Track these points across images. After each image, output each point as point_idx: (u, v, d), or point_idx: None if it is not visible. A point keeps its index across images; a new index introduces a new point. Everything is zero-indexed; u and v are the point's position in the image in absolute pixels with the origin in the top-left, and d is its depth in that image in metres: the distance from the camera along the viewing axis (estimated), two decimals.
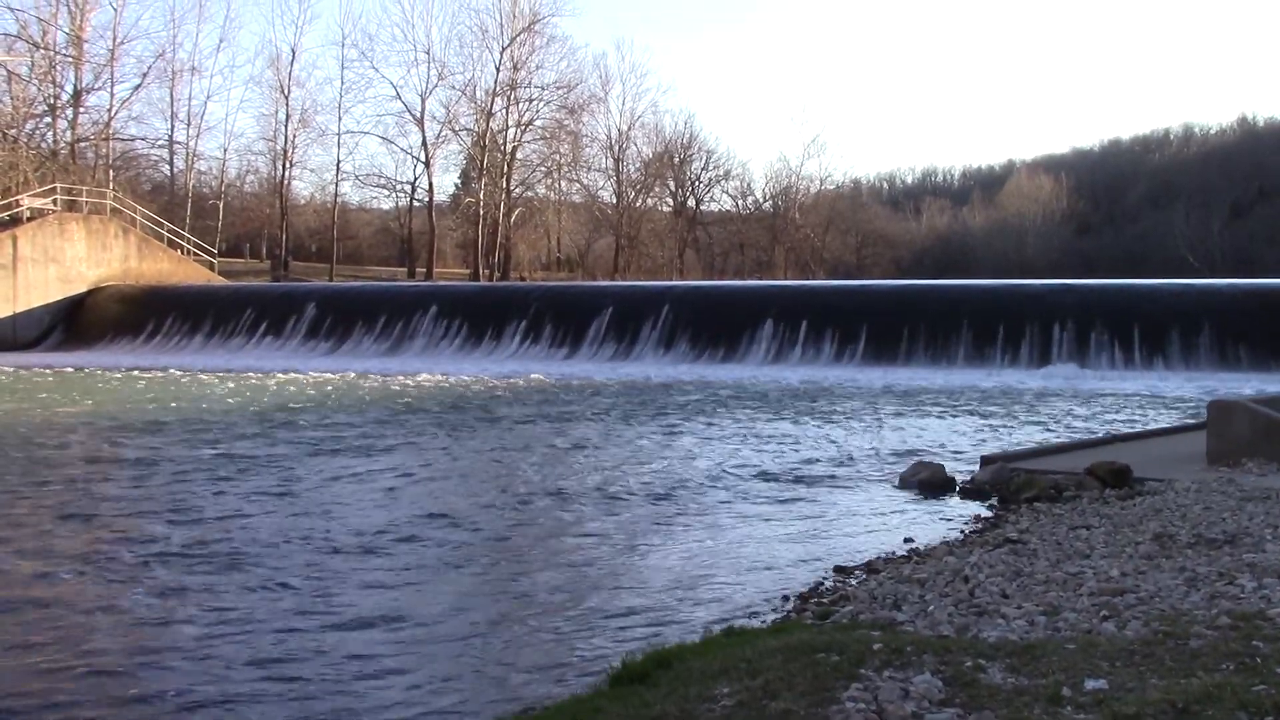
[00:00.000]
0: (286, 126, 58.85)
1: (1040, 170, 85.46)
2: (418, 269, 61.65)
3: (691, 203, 75.37)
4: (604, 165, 70.42)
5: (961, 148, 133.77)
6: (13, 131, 46.01)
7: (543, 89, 61.33)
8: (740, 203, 77.23)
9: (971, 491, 10.23)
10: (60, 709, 4.93)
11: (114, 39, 52.03)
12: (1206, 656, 4.25)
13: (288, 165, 59.49)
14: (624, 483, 10.90)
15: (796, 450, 13.38)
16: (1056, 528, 7.79)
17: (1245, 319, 26.58)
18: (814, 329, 29.29)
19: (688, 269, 69.96)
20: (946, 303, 29.58)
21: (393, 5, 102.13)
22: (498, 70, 59.65)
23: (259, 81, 75.52)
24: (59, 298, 37.29)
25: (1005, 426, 16.20)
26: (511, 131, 61.42)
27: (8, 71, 47.25)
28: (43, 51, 48.70)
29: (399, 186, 63.64)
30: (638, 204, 70.65)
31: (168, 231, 43.81)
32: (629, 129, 69.96)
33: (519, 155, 62.33)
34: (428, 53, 59.41)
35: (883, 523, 9.07)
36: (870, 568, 7.27)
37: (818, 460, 12.51)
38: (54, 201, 38.54)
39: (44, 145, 49.15)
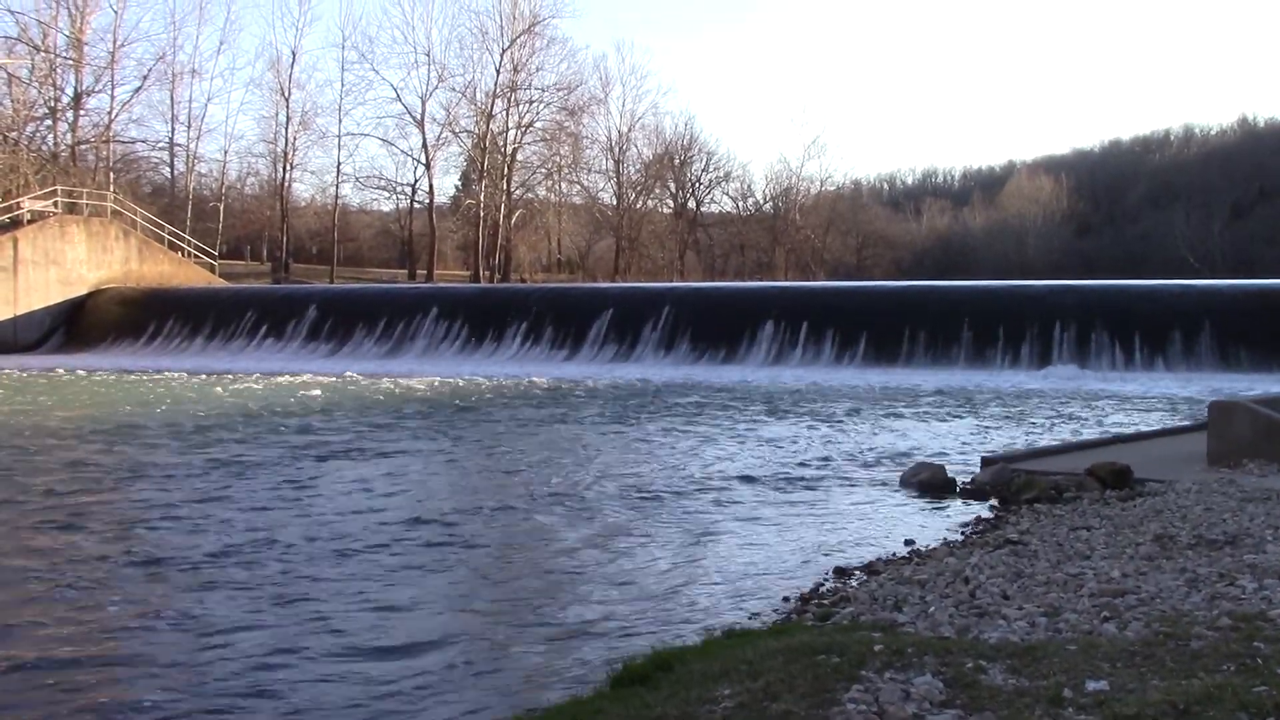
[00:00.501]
0: (287, 129, 59.04)
1: (1040, 171, 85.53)
2: (418, 271, 61.66)
3: (692, 204, 75.36)
4: (604, 167, 70.63)
5: (962, 148, 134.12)
6: (13, 134, 46.06)
7: (543, 91, 61.52)
8: (740, 204, 77.38)
9: (972, 492, 10.22)
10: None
11: (114, 41, 52.24)
12: (1207, 657, 4.25)
13: (288, 167, 59.61)
14: (624, 484, 10.89)
15: (796, 451, 13.38)
16: (1057, 529, 7.78)
17: (1246, 320, 26.60)
18: (814, 330, 29.29)
19: (688, 270, 69.94)
20: (947, 304, 29.57)
21: (393, 7, 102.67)
22: (498, 72, 59.81)
23: (259, 84, 75.92)
24: (59, 300, 37.28)
25: (1006, 427, 16.20)
26: (512, 133, 61.53)
27: (8, 74, 47.32)
28: (43, 54, 48.76)
29: (399, 188, 63.81)
30: (638, 205, 70.68)
31: (168, 234, 43.84)
32: (629, 130, 70.16)
33: (519, 157, 62.43)
34: (428, 55, 59.61)
35: (883, 524, 9.07)
36: (871, 569, 7.26)
37: (818, 461, 12.51)
38: (54, 204, 38.53)
39: (44, 148, 49.20)
